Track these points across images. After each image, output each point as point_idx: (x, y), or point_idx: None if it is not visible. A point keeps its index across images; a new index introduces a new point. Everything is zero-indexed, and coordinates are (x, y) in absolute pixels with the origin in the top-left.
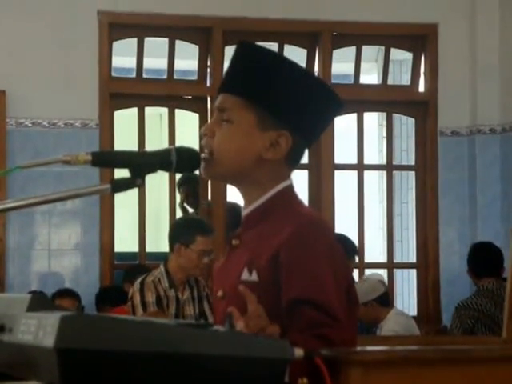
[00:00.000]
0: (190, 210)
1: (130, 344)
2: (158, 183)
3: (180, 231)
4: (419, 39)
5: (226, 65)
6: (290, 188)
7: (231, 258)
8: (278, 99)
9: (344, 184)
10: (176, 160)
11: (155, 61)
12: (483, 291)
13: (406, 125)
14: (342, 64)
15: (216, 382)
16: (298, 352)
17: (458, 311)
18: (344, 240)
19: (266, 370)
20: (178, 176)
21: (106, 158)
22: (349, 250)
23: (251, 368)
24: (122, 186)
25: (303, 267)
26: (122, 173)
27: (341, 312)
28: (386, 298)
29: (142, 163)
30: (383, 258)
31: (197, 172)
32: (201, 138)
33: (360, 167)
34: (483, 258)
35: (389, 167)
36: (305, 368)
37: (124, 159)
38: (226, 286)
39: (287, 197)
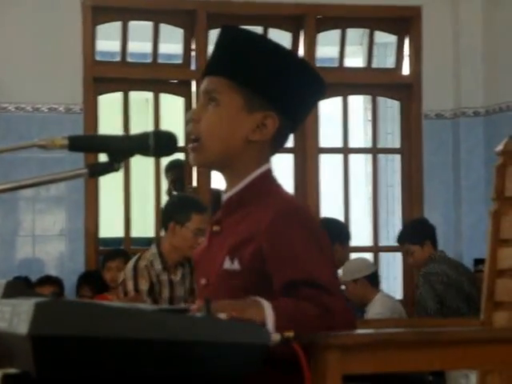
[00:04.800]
0: None
1: (105, 330)
2: (144, 168)
3: (175, 209)
4: (403, 22)
5: (211, 48)
6: (270, 172)
7: (212, 244)
8: (264, 80)
9: (329, 168)
10: (154, 144)
11: (139, 44)
12: (439, 258)
13: (391, 108)
14: (326, 47)
15: (193, 368)
16: (275, 337)
17: (425, 278)
18: (337, 224)
19: (243, 355)
20: (165, 162)
21: (83, 143)
22: (344, 234)
23: (227, 353)
24: (100, 170)
25: (289, 251)
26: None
27: (335, 286)
28: (375, 278)
29: (119, 147)
30: (369, 242)
31: (182, 157)
32: (186, 123)
33: (345, 151)
34: (428, 229)
35: (374, 150)
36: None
37: (101, 143)
38: (210, 274)
39: (266, 181)
